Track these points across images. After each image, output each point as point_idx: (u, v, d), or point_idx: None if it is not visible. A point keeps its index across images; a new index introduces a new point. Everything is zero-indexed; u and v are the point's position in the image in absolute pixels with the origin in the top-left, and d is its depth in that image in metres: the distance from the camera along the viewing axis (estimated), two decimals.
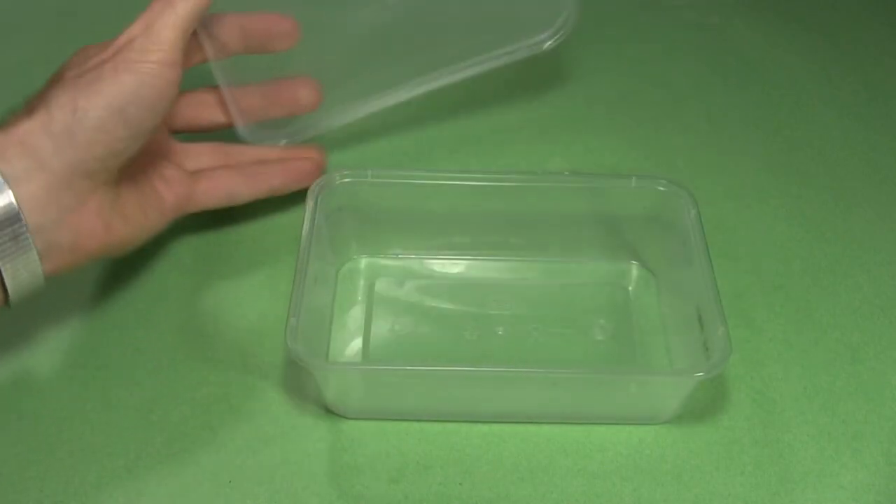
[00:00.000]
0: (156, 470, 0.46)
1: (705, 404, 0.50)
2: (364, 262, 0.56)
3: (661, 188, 0.53)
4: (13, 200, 0.43)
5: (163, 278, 0.55)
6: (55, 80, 0.48)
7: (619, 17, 0.75)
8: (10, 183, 0.43)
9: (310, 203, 0.51)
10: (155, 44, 0.47)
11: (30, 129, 0.44)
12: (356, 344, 0.52)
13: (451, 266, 0.56)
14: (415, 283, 0.55)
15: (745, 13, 0.76)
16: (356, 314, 0.53)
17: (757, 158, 0.64)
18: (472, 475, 0.47)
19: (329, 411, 0.49)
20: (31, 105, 0.46)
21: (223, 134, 0.57)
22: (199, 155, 0.56)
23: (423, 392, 0.49)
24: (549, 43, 0.61)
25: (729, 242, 0.58)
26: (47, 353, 0.51)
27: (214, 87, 0.56)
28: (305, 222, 0.50)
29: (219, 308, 0.53)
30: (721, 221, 0.59)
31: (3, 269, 0.44)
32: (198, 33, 0.53)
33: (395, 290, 0.55)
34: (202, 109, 0.56)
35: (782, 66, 0.71)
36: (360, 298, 0.54)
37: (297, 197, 0.56)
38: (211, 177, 0.54)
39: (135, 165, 0.50)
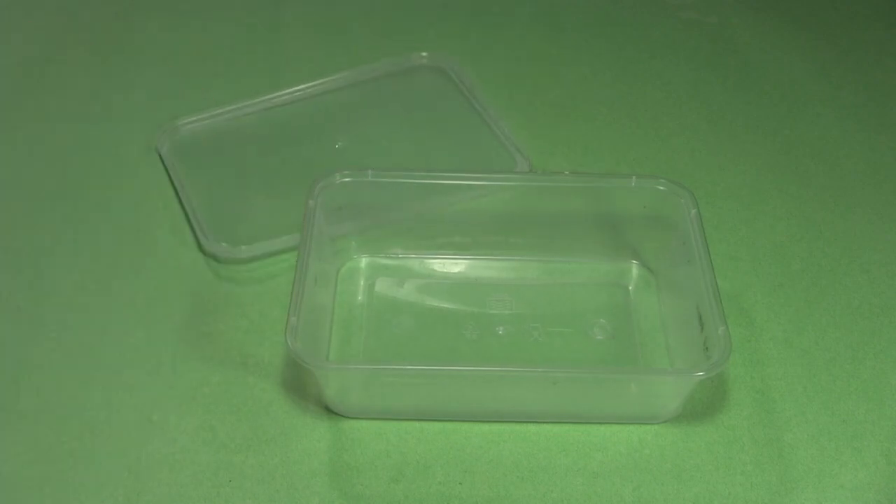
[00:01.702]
0: (156, 470, 0.46)
1: (705, 404, 0.50)
2: (364, 262, 0.56)
3: (661, 188, 0.53)
4: None
5: (163, 278, 0.55)
6: None
7: (620, 17, 0.75)
8: None
9: (310, 203, 0.51)
10: None
11: None
12: (356, 344, 0.52)
13: (451, 266, 0.56)
14: (415, 282, 0.55)
15: (745, 13, 0.76)
16: (356, 314, 0.53)
17: (757, 158, 0.64)
18: (472, 475, 0.47)
19: (329, 411, 0.49)
20: None
21: None
22: None
23: (423, 392, 0.49)
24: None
25: (729, 242, 0.58)
26: (47, 352, 0.51)
27: None
28: (305, 222, 0.50)
29: (219, 308, 0.53)
30: (721, 221, 0.59)
31: None
32: None
33: (395, 290, 0.55)
34: None
35: (782, 66, 0.71)
36: (360, 298, 0.54)
37: (297, 197, 0.56)
38: None
39: None
